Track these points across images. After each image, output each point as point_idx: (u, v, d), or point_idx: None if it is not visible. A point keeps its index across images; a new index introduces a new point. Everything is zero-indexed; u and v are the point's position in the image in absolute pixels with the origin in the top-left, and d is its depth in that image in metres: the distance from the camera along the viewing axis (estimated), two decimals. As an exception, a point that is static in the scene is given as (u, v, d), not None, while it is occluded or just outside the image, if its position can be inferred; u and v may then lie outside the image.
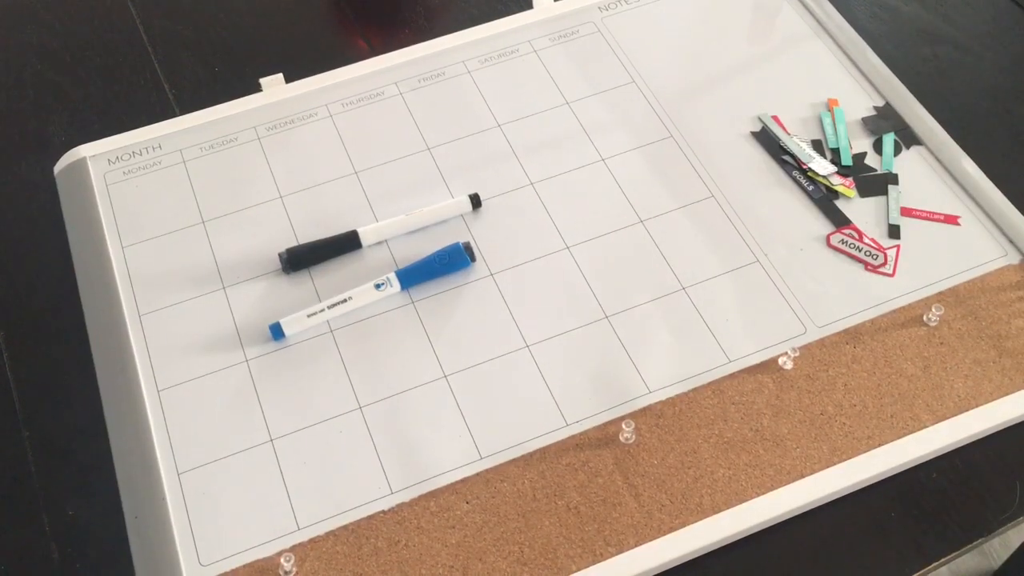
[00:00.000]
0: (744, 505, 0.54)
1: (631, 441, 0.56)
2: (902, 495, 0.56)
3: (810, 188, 0.66)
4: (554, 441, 0.56)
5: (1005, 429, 0.58)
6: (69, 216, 0.67)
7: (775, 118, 0.70)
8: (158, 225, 0.65)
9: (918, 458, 0.56)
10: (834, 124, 0.70)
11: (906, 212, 0.65)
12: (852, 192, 0.66)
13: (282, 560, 0.52)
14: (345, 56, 0.75)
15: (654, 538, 0.53)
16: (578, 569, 0.52)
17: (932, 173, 0.68)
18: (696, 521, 0.53)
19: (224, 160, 0.69)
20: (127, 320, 0.61)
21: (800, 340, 0.60)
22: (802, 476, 0.55)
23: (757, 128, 0.70)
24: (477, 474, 0.55)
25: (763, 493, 0.54)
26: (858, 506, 0.55)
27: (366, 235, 0.64)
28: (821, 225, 0.65)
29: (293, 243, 0.64)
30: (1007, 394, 0.58)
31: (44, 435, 0.59)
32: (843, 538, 0.54)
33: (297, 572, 0.52)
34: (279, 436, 0.57)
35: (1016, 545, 1.06)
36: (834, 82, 0.72)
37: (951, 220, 0.65)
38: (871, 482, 0.56)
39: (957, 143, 0.68)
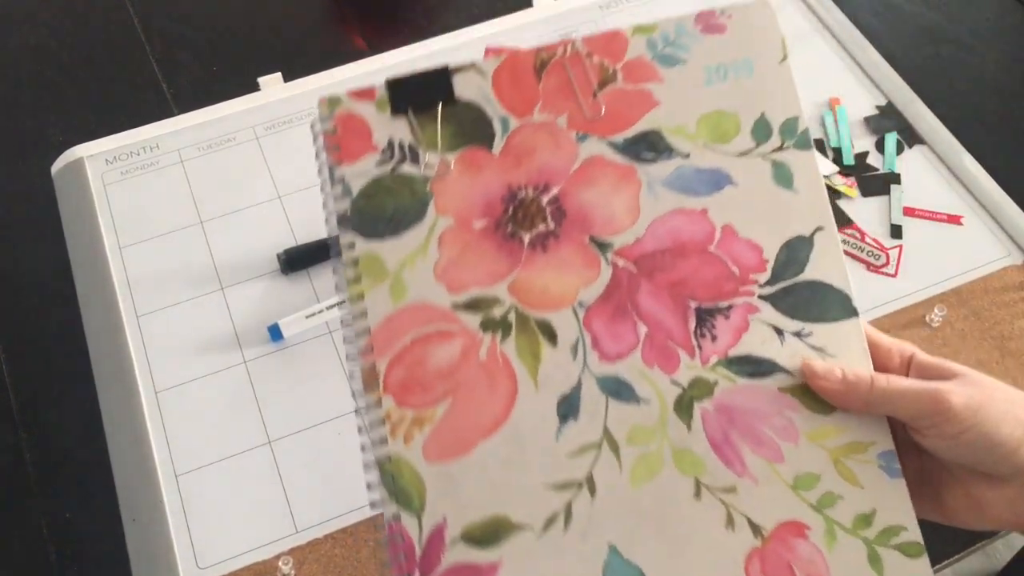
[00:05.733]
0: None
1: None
2: (904, 497, 0.55)
3: (812, 188, 0.66)
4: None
5: (1008, 430, 0.57)
6: (66, 216, 0.66)
7: (776, 117, 0.70)
8: (156, 225, 0.65)
9: (921, 460, 0.56)
10: (836, 123, 0.69)
11: (908, 212, 0.65)
12: (854, 192, 0.66)
13: (280, 563, 0.52)
14: (344, 56, 0.75)
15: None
16: None
17: (935, 172, 0.67)
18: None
19: (222, 160, 0.68)
20: (125, 321, 0.61)
21: (802, 341, 0.60)
22: (804, 478, 0.54)
23: (758, 127, 0.69)
24: (476, 476, 0.55)
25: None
26: (860, 508, 0.55)
27: (365, 235, 0.64)
28: (823, 225, 0.64)
29: (291, 244, 0.64)
30: (1010, 395, 0.57)
31: (41, 437, 0.58)
32: (845, 540, 0.54)
33: (295, 575, 0.52)
34: (277, 438, 0.56)
35: (1020, 546, 1.06)
36: (836, 81, 0.72)
37: (953, 220, 0.65)
38: (873, 484, 0.55)
39: (960, 142, 0.68)
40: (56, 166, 0.69)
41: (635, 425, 0.38)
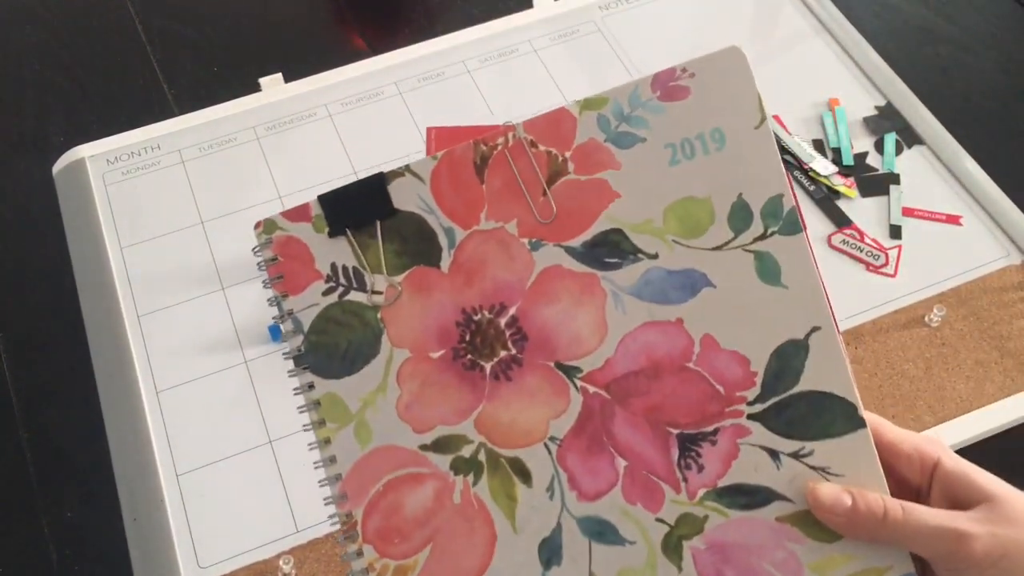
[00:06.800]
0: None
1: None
2: (904, 497, 0.55)
3: (811, 188, 0.66)
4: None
5: (1007, 430, 0.57)
6: (68, 216, 0.67)
7: (776, 118, 0.70)
8: (157, 225, 0.65)
9: (920, 459, 0.56)
10: (835, 123, 0.69)
11: (907, 212, 0.65)
12: (853, 192, 0.66)
13: (281, 563, 0.52)
14: (344, 56, 0.75)
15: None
16: None
17: (934, 173, 0.67)
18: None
19: (223, 160, 0.68)
20: (126, 321, 0.61)
21: (801, 341, 0.60)
22: (803, 478, 0.54)
23: (758, 128, 0.70)
24: (477, 476, 0.55)
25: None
26: (859, 508, 0.55)
27: (365, 236, 0.64)
28: (822, 225, 0.65)
29: (292, 244, 0.64)
30: (1009, 395, 0.57)
31: (43, 437, 0.58)
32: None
33: (296, 574, 0.52)
34: (278, 438, 0.56)
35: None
36: (835, 81, 0.72)
37: (953, 220, 0.65)
38: (872, 484, 0.55)
39: (959, 143, 0.68)
40: (57, 166, 0.69)
41: (622, 568, 0.35)
